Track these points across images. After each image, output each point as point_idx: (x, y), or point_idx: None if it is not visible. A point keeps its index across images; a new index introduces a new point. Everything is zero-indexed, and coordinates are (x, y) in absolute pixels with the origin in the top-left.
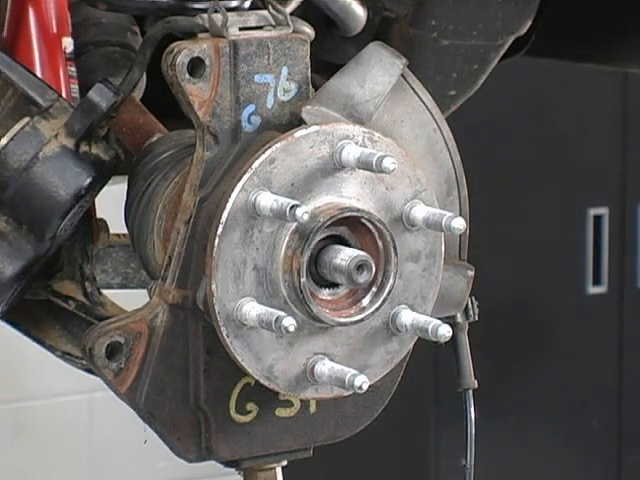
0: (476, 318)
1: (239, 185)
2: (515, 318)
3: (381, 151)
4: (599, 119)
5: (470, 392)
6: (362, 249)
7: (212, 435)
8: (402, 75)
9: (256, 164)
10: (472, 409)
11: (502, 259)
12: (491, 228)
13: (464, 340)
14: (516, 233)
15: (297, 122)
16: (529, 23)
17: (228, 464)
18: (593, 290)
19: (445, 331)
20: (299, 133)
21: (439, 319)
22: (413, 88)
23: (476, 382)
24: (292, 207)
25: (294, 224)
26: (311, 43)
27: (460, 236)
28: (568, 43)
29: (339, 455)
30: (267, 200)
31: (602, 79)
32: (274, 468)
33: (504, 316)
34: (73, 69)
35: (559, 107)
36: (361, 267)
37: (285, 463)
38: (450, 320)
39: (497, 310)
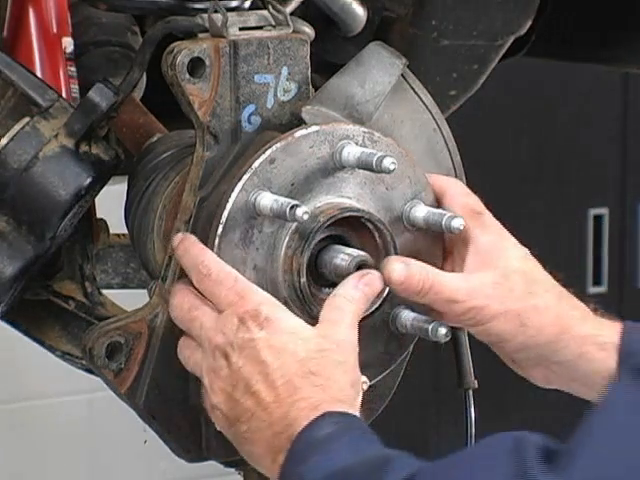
0: None
1: (239, 185)
2: None
3: (381, 151)
4: (599, 119)
5: (470, 392)
6: (362, 249)
7: (212, 435)
8: (402, 75)
9: (256, 164)
10: (472, 409)
11: None
12: None
13: (464, 340)
14: (516, 233)
15: (297, 122)
16: (529, 23)
17: (228, 464)
18: (593, 290)
19: (445, 331)
20: (299, 133)
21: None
22: (413, 88)
23: (476, 382)
24: (292, 207)
25: (294, 224)
26: (311, 43)
27: None
28: (568, 43)
29: None
30: (267, 200)
31: (602, 79)
32: None
33: None
34: (73, 69)
35: (559, 107)
36: (361, 267)
37: None
38: None
39: None
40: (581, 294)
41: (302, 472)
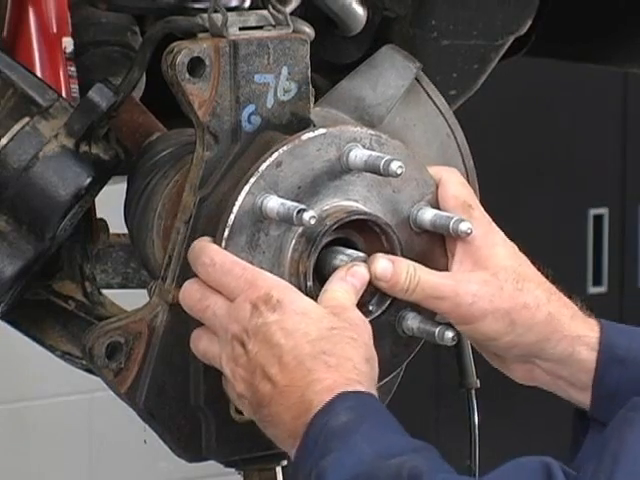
0: None
1: (246, 188)
2: None
3: (388, 154)
4: (599, 119)
5: (472, 392)
6: (369, 252)
7: (212, 435)
8: (416, 79)
9: (263, 167)
10: (475, 408)
11: None
12: None
13: (466, 340)
14: (516, 233)
15: (297, 122)
16: (529, 23)
17: (228, 464)
18: (593, 290)
19: (452, 335)
20: (306, 136)
21: (444, 323)
22: (427, 92)
23: (478, 382)
24: (299, 211)
25: (301, 228)
26: (311, 43)
27: None
28: (568, 43)
29: None
30: (274, 203)
31: (602, 79)
32: (274, 468)
33: None
34: (73, 69)
35: (559, 107)
36: None
37: (285, 463)
38: None
39: None
40: (581, 294)
41: (322, 469)
